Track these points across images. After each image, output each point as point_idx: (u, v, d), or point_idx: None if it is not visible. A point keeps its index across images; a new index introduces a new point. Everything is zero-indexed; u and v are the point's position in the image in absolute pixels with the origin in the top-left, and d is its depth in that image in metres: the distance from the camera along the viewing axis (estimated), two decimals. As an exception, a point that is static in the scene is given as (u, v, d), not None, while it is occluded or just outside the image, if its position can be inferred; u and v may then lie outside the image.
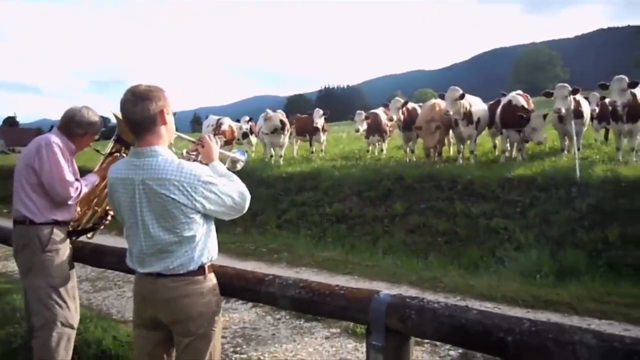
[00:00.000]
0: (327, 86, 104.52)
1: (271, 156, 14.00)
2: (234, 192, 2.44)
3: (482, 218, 8.27)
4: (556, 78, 61.24)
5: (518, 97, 10.65)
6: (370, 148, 14.37)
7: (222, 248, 8.90)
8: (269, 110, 13.84)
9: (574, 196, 7.87)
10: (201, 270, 2.43)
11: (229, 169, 2.90)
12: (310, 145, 15.53)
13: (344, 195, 10.41)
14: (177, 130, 2.61)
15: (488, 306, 5.76)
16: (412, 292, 6.34)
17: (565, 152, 10.41)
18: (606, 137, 12.45)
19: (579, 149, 10.52)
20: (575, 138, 9.24)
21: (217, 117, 15.76)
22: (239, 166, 3.12)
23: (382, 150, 14.47)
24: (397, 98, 12.19)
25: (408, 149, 12.58)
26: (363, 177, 10.48)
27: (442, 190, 9.23)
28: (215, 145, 2.72)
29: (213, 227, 2.52)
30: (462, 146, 11.30)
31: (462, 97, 10.41)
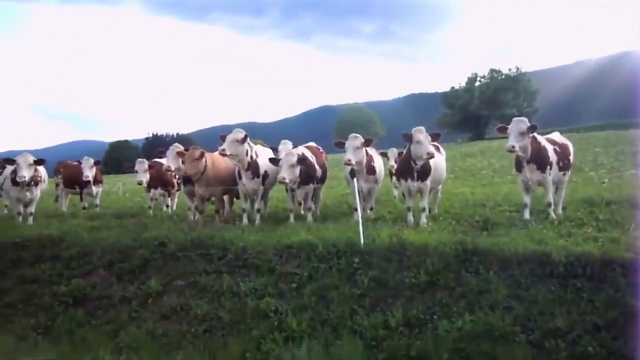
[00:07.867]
0: (155, 133, 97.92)
1: (19, 213, 10.93)
2: None
3: (252, 297, 6.56)
4: (375, 135, 65.19)
5: (304, 150, 9.50)
6: (153, 204, 12.13)
7: None
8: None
9: (357, 267, 6.56)
10: None
11: None
12: (81, 199, 12.81)
13: (91, 267, 8.02)
14: None
15: None
16: None
17: (360, 211, 9.28)
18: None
19: (371, 209, 9.57)
20: (357, 196, 7.95)
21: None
22: None
23: (167, 206, 12.35)
24: (176, 144, 10.18)
25: (193, 206, 10.63)
26: (118, 244, 8.20)
27: (210, 260, 7.38)
28: None
29: None
30: (247, 203, 9.64)
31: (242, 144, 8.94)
